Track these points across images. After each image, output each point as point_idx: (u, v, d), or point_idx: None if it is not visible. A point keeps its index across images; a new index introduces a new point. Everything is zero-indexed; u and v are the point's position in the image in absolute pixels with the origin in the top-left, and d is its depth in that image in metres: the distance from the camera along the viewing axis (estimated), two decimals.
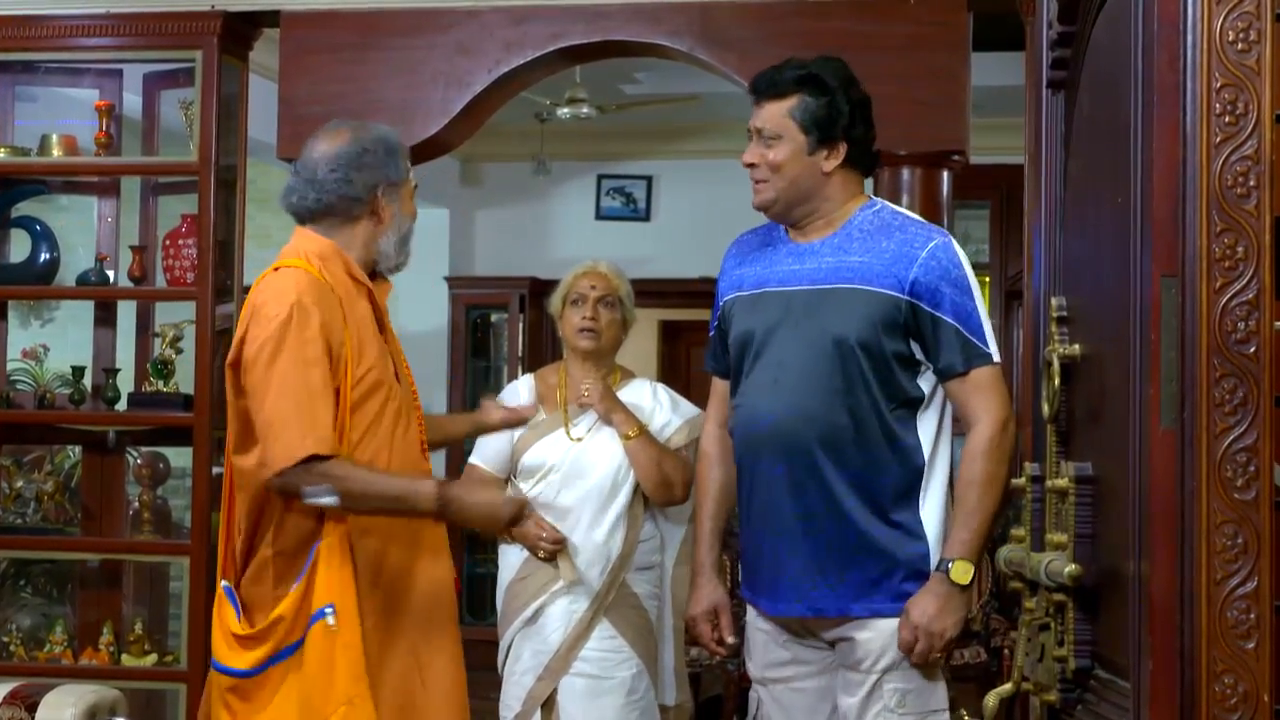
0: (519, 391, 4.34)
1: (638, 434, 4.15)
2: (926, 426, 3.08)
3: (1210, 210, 1.89)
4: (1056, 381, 2.27)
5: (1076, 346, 2.27)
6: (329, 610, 3.03)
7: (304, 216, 3.26)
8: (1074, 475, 2.19)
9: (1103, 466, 2.17)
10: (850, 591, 3.09)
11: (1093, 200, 2.30)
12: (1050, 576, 2.19)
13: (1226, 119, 1.89)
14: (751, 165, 3.22)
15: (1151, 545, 1.94)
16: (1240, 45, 1.89)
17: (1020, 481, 2.46)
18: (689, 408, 4.34)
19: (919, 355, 3.08)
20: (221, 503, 3.29)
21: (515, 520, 3.23)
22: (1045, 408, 2.32)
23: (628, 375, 4.37)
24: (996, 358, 3.05)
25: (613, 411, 4.16)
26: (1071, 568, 2.13)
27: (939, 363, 3.06)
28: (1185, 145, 1.91)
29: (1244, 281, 1.89)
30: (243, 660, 3.09)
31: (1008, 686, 2.39)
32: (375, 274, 3.33)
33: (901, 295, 3.06)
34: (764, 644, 3.27)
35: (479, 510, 3.19)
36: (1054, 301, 2.35)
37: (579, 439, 4.20)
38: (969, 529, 3.01)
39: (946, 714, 3.11)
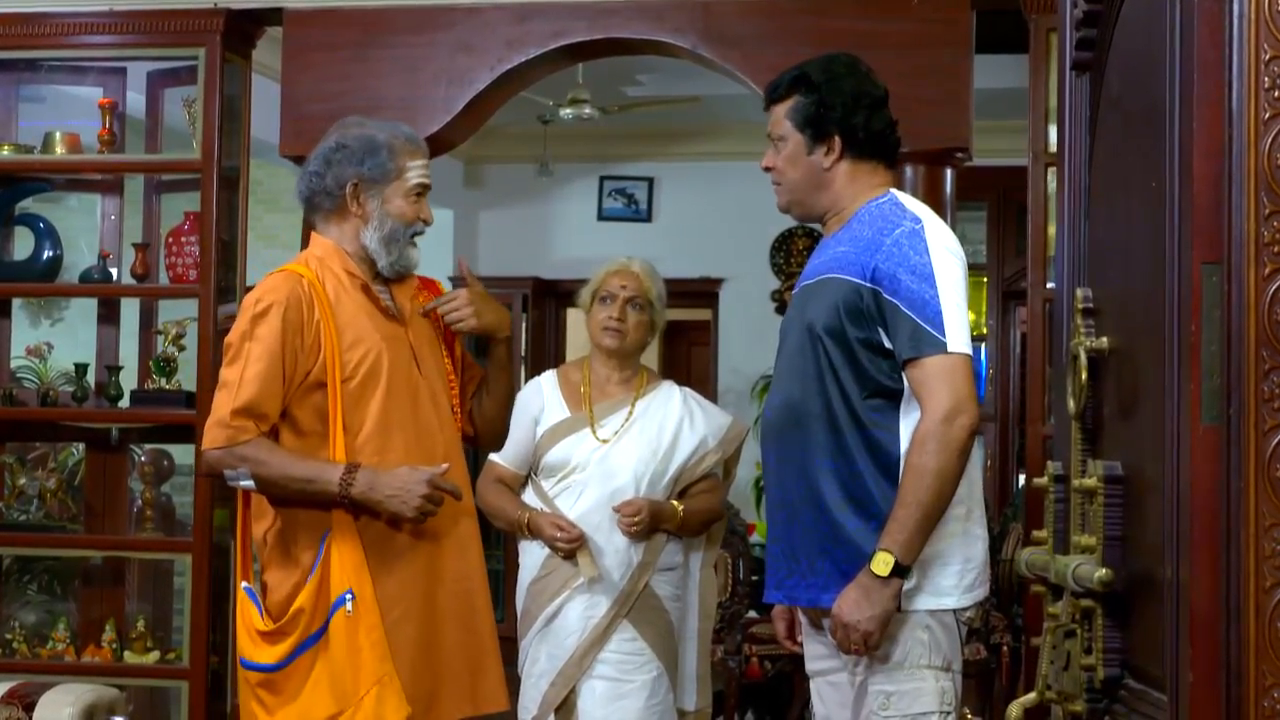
0: (540, 387, 4.25)
1: (681, 519, 4.08)
2: (910, 420, 3.03)
3: (1259, 192, 1.78)
4: (1083, 376, 2.20)
5: (1105, 340, 2.19)
6: (348, 597, 3.13)
7: (305, 206, 3.42)
8: (1103, 475, 2.08)
9: (1134, 465, 2.07)
10: (821, 581, 3.05)
11: (1121, 186, 2.21)
12: (1078, 581, 2.10)
13: (1276, 94, 1.79)
14: (768, 170, 3.24)
15: (1192, 550, 1.83)
16: None
17: (1042, 481, 2.39)
18: (717, 417, 4.25)
19: (890, 344, 3.03)
20: (236, 504, 3.36)
21: (430, 499, 3.18)
22: (1071, 404, 2.24)
23: (654, 378, 4.28)
24: (955, 348, 2.96)
25: (656, 523, 4.05)
26: (1102, 572, 2.03)
27: (896, 350, 3.01)
28: (1231, 124, 1.80)
29: None
30: (269, 655, 3.16)
31: (1032, 696, 2.30)
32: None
33: (864, 282, 3.02)
34: (805, 636, 3.25)
35: (385, 490, 3.16)
36: (1079, 293, 2.25)
37: (605, 440, 4.10)
38: (897, 520, 2.93)
39: (937, 715, 3.03)
